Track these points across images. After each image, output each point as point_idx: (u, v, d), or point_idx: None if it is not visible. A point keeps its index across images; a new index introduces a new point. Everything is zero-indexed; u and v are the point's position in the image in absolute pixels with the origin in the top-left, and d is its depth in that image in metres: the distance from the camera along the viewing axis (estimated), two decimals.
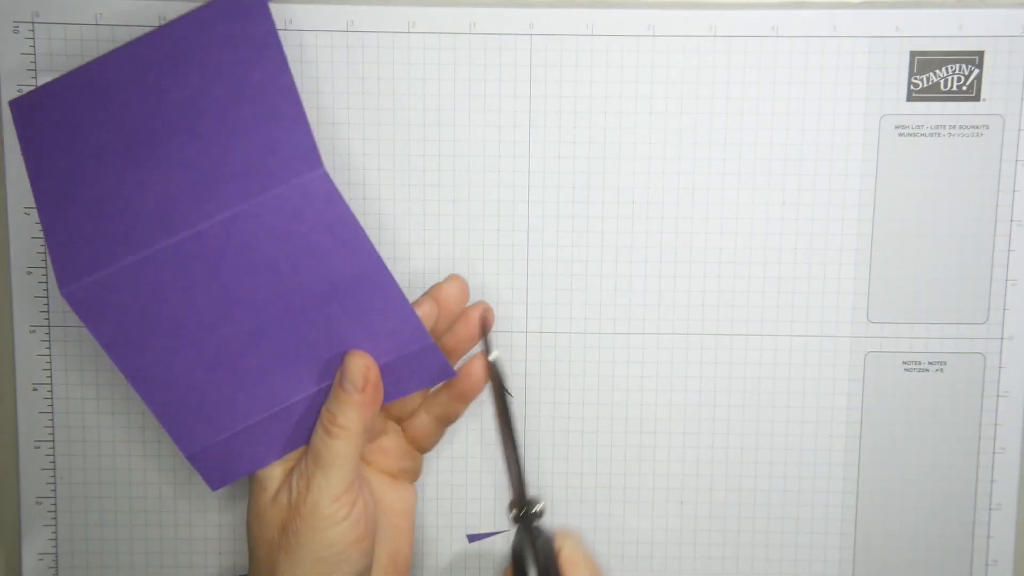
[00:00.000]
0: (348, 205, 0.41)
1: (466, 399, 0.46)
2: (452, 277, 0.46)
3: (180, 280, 0.41)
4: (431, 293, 0.46)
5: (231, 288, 0.41)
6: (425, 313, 0.44)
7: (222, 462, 0.44)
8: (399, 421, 0.47)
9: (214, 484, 0.44)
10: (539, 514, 0.45)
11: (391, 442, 0.46)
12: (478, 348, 0.46)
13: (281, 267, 0.41)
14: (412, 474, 0.47)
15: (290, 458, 0.44)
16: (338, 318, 0.42)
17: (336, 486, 0.42)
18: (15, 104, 0.43)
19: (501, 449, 0.45)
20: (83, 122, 0.42)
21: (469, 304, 0.47)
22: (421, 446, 0.47)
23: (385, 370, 0.43)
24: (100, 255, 0.40)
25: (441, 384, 0.46)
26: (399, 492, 0.46)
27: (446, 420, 0.46)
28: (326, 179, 0.40)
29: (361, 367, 0.43)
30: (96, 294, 0.40)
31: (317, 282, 0.42)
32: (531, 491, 0.48)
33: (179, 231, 0.40)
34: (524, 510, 0.45)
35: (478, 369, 0.45)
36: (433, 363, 0.44)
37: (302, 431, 0.44)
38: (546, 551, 0.44)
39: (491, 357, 0.45)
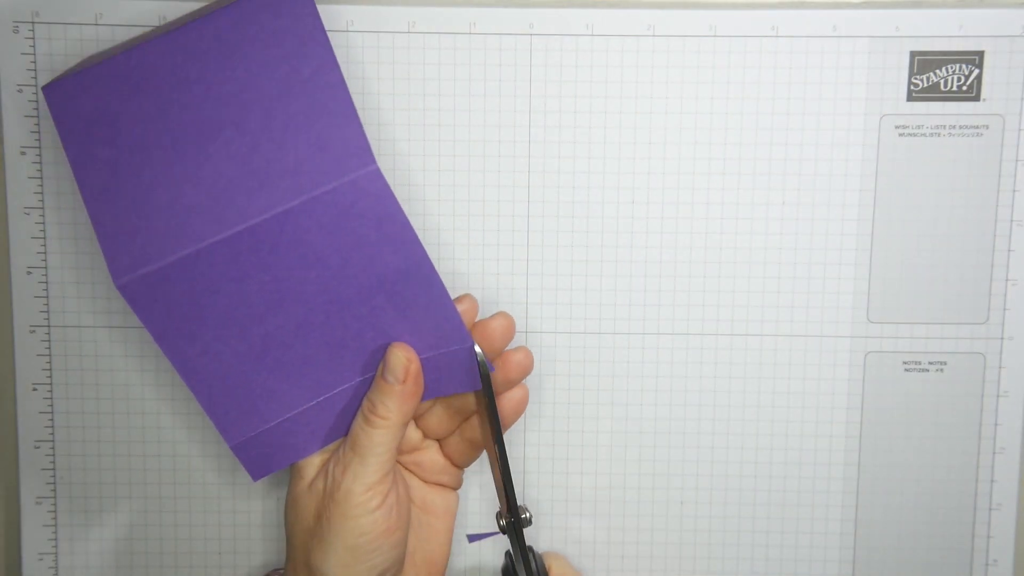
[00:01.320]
0: (398, 201, 0.41)
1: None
2: (500, 314, 0.46)
3: (232, 274, 0.42)
4: (476, 328, 0.46)
5: (281, 281, 0.42)
6: (464, 309, 0.45)
7: (265, 452, 0.44)
8: (437, 439, 0.47)
9: (256, 474, 0.45)
10: (527, 521, 0.45)
11: (428, 458, 0.47)
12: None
13: (331, 261, 0.42)
14: (452, 484, 0.48)
15: (328, 449, 0.45)
16: (383, 311, 0.43)
17: (371, 475, 0.42)
18: (49, 89, 0.43)
19: (490, 458, 0.46)
20: (123, 112, 0.42)
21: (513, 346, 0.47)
22: (458, 463, 0.47)
23: (426, 365, 0.44)
24: (152, 248, 0.41)
25: (475, 413, 0.46)
26: (440, 494, 0.47)
27: (478, 444, 0.47)
28: (379, 176, 0.41)
29: (403, 359, 0.43)
30: (150, 286, 0.41)
31: (364, 276, 0.42)
32: (521, 499, 0.48)
33: (232, 225, 0.41)
34: (512, 519, 0.45)
35: (515, 399, 0.46)
36: (472, 366, 0.44)
37: (343, 422, 0.44)
38: (538, 567, 0.45)
39: (479, 356, 0.45)
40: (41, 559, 0.50)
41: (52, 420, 0.49)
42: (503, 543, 0.49)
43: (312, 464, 0.44)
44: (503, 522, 0.45)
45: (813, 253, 0.48)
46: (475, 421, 0.46)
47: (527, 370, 0.46)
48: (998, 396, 0.49)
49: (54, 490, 0.50)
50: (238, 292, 0.42)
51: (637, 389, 0.49)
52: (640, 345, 0.49)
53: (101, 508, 0.50)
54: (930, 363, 0.49)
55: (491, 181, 0.48)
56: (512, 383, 0.46)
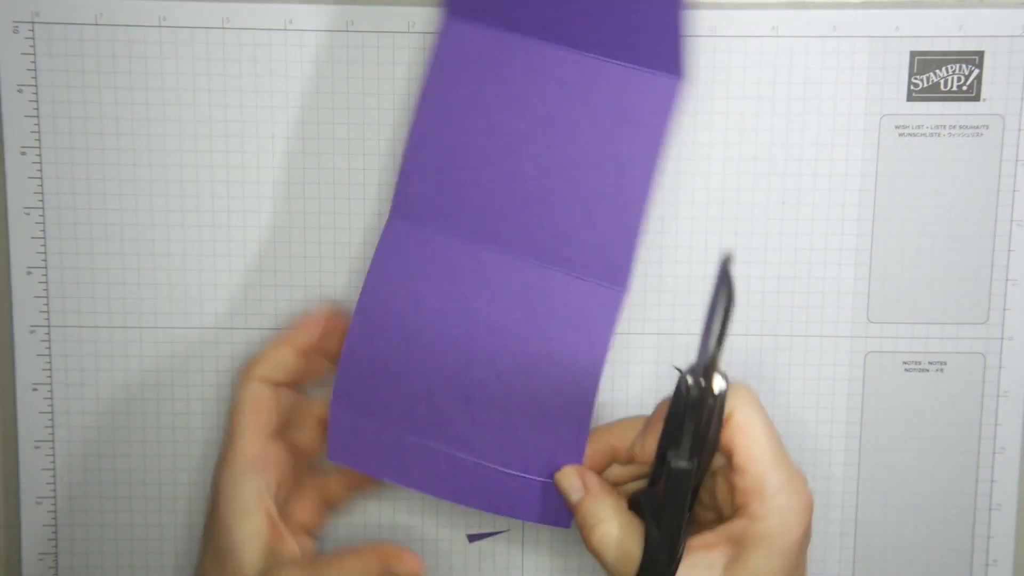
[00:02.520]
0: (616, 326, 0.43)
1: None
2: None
3: (460, 279, 0.43)
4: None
5: (479, 322, 0.43)
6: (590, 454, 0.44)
7: (359, 441, 0.44)
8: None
9: (334, 454, 0.44)
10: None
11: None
12: None
13: (526, 345, 0.43)
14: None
15: (267, 537, 0.43)
16: (529, 411, 0.43)
17: None
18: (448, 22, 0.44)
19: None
20: (485, 79, 0.44)
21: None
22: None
23: (516, 480, 0.44)
24: (433, 216, 0.43)
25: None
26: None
27: (331, 505, 0.47)
28: (620, 300, 0.43)
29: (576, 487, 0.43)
30: (415, 239, 0.44)
31: (542, 375, 0.43)
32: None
33: (498, 244, 0.43)
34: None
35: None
36: (552, 503, 0.44)
37: (434, 480, 0.44)
38: (712, 413, 0.38)
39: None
40: (41, 559, 0.50)
41: (52, 420, 0.49)
42: (503, 543, 0.49)
43: (251, 548, 0.43)
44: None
45: (813, 253, 0.48)
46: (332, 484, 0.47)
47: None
48: (998, 396, 0.49)
49: (54, 490, 0.50)
50: (451, 297, 0.43)
51: (637, 389, 0.49)
52: (640, 345, 0.49)
53: (101, 508, 0.50)
54: (930, 363, 0.49)
55: None
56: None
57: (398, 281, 0.44)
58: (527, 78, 0.43)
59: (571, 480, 0.43)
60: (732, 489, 0.41)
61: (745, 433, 0.40)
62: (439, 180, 0.43)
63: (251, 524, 0.43)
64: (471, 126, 0.44)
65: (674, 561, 0.39)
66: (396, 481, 0.44)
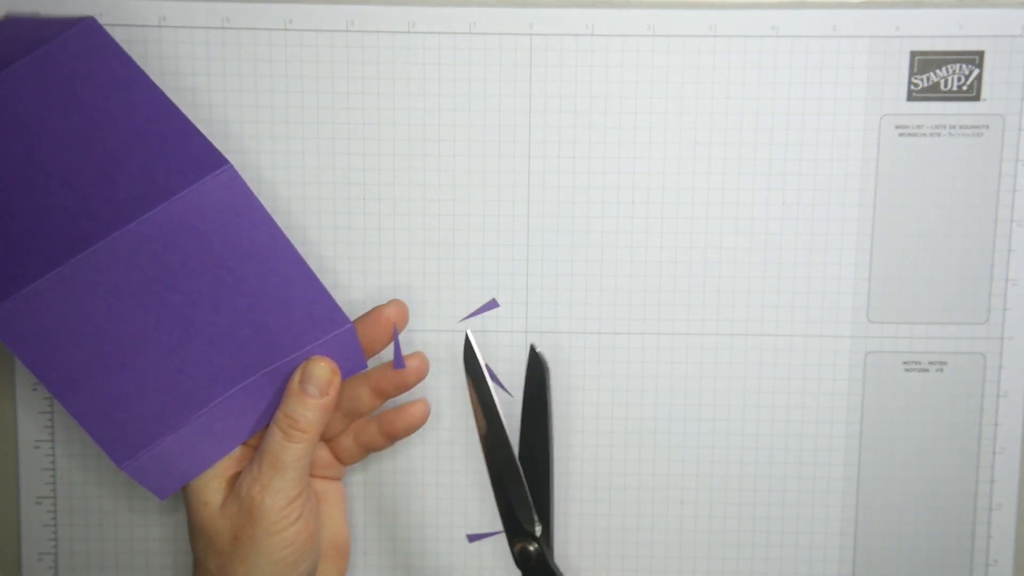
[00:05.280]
0: (256, 196, 0.42)
1: (393, 437, 0.47)
2: (394, 302, 0.46)
3: (97, 291, 0.41)
4: (368, 315, 0.46)
5: (149, 292, 0.42)
6: (391, 312, 0.45)
7: (164, 469, 0.44)
8: (327, 440, 0.47)
9: (162, 492, 0.44)
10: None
11: (317, 455, 0.46)
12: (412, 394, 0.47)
13: (196, 264, 0.42)
14: (337, 477, 0.48)
15: (224, 467, 0.44)
16: (257, 307, 0.43)
17: (292, 489, 0.43)
18: None
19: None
20: None
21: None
22: (345, 461, 0.47)
23: (303, 358, 0.44)
24: (13, 276, 0.41)
25: (372, 417, 0.46)
26: (329, 484, 0.47)
27: (369, 448, 0.47)
28: (232, 172, 0.41)
29: (327, 371, 0.43)
30: (15, 315, 0.41)
31: (233, 273, 0.42)
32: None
33: (92, 242, 0.41)
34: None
35: (417, 410, 0.46)
36: (350, 350, 0.44)
37: (237, 426, 0.44)
38: None
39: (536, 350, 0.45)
40: (41, 559, 0.50)
41: (52, 421, 0.49)
42: (503, 543, 0.49)
43: (214, 489, 0.44)
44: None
45: (813, 253, 0.48)
46: (371, 428, 0.46)
47: (421, 376, 0.46)
48: (998, 396, 0.49)
49: (54, 490, 0.50)
50: (106, 310, 0.42)
51: (637, 389, 0.49)
52: (640, 345, 0.49)
53: (101, 508, 0.50)
54: (930, 363, 0.49)
55: (491, 181, 0.48)
56: (405, 388, 0.46)
57: (54, 342, 0.42)
58: None
59: (323, 368, 0.43)
60: None
61: None
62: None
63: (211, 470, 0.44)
64: None
65: None
66: (213, 461, 0.44)
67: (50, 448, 0.49)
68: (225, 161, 0.41)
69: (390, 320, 0.45)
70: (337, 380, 0.44)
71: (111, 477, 0.50)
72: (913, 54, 0.47)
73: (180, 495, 0.46)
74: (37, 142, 0.42)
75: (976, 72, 0.47)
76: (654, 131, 0.48)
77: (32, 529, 0.50)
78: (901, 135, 0.48)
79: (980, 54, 0.47)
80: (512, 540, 0.47)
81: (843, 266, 0.48)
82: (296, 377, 0.43)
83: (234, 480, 0.44)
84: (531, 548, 0.46)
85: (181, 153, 0.41)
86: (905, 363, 0.49)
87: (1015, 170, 0.48)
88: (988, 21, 0.47)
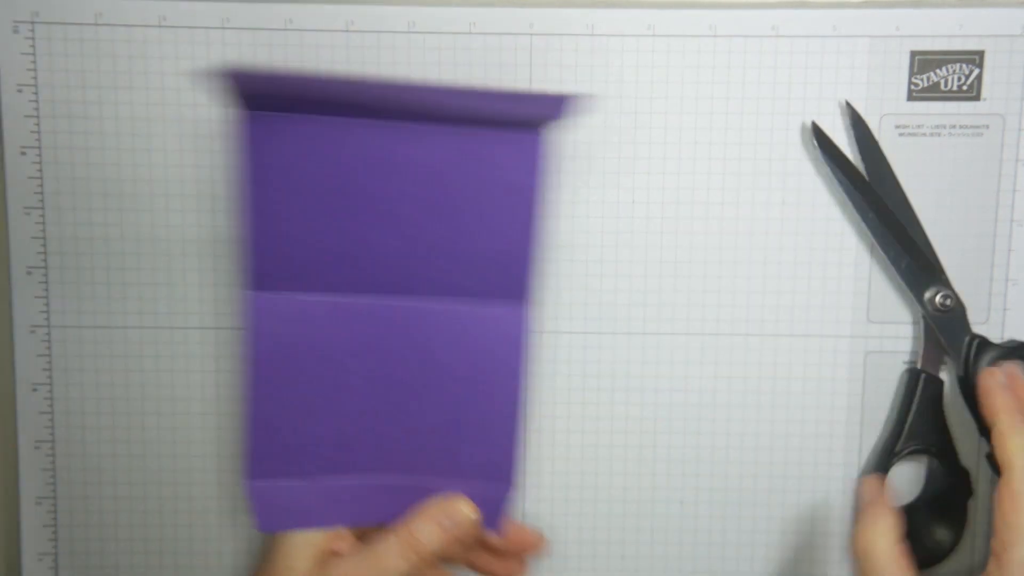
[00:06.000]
0: (525, 347, 0.44)
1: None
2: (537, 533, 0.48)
3: (350, 335, 0.43)
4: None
5: (385, 361, 0.43)
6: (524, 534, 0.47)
7: (276, 506, 0.44)
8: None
9: (263, 525, 0.44)
10: None
11: None
12: None
13: (434, 365, 0.43)
14: None
15: (323, 539, 0.44)
16: (452, 423, 0.44)
17: None
18: (251, 121, 0.41)
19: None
20: (317, 164, 0.42)
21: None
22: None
23: (460, 489, 0.45)
24: (295, 280, 0.42)
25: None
26: None
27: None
28: (522, 320, 0.43)
29: (469, 519, 0.44)
30: (277, 308, 0.42)
31: (455, 389, 0.44)
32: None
33: (374, 292, 0.43)
34: None
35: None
36: (498, 510, 0.45)
37: (355, 510, 0.45)
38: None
39: None
40: (41, 559, 0.50)
41: (52, 420, 0.49)
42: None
43: (304, 555, 0.44)
44: None
45: (813, 253, 0.48)
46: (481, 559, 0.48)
47: (530, 550, 0.48)
48: None
49: (54, 490, 0.50)
50: (344, 351, 0.43)
51: (637, 389, 0.49)
52: (640, 345, 0.49)
53: (101, 508, 0.50)
54: None
55: None
56: (510, 555, 0.47)
57: (285, 349, 0.43)
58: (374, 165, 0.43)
59: (466, 513, 0.44)
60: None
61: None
62: (292, 248, 0.42)
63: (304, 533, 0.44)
64: (317, 196, 0.42)
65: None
66: (341, 524, 0.45)
67: (50, 448, 0.49)
68: (522, 306, 0.43)
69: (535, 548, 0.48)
70: (474, 531, 0.44)
71: (111, 477, 0.50)
72: (913, 54, 0.47)
73: (263, 539, 0.45)
74: (390, 172, 0.42)
75: (976, 72, 0.47)
76: (654, 131, 0.48)
77: (32, 529, 0.50)
78: (901, 135, 0.48)
79: (980, 54, 0.47)
80: None
81: (843, 266, 0.48)
82: (440, 505, 0.44)
83: (323, 556, 0.44)
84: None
85: (504, 269, 0.43)
86: (905, 363, 0.49)
87: (1015, 170, 0.48)
88: (988, 21, 0.47)
